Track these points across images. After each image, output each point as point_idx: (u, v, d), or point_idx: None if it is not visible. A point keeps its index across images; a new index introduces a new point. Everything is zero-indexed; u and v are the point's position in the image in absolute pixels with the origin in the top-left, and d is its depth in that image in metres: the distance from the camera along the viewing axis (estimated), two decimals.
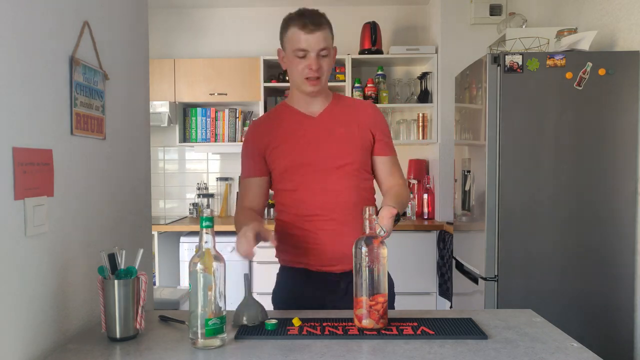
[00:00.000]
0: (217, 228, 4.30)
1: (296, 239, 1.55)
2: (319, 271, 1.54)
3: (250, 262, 3.47)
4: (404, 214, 3.63)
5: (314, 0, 3.97)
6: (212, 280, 1.14)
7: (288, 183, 1.56)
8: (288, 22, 1.50)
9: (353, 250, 1.25)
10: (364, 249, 1.22)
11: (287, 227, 1.57)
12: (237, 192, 4.10)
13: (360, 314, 1.23)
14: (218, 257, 1.16)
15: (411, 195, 3.53)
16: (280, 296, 1.62)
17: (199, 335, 1.13)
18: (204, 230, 1.16)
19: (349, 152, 1.55)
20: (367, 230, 1.25)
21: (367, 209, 1.25)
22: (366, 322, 1.22)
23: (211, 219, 1.16)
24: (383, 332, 1.20)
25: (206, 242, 1.15)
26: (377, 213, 1.32)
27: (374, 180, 1.63)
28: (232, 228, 4.20)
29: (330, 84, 3.78)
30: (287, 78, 3.81)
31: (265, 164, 1.60)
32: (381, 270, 1.23)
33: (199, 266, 1.14)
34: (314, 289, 1.55)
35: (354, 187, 1.54)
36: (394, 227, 1.35)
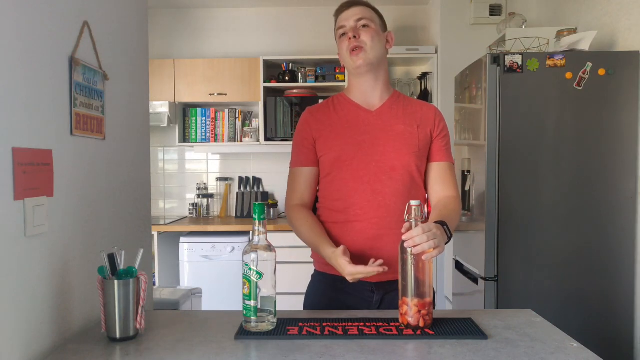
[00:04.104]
0: (217, 228, 4.26)
1: (333, 239, 1.46)
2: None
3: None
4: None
5: (312, 0, 3.98)
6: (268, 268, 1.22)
7: (335, 177, 1.48)
8: (334, 15, 1.53)
9: (399, 248, 1.23)
10: (410, 249, 1.20)
11: (325, 225, 1.50)
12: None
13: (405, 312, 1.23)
14: (271, 247, 1.23)
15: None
16: (313, 301, 1.54)
17: (255, 320, 1.21)
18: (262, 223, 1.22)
19: (405, 152, 1.46)
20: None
21: (413, 208, 1.22)
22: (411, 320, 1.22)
23: (264, 211, 1.23)
24: (383, 332, 1.20)
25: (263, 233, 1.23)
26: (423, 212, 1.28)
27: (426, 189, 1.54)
28: (232, 228, 4.17)
29: (330, 84, 3.80)
30: (286, 78, 3.83)
31: (315, 154, 1.51)
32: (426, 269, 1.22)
33: (260, 255, 1.20)
34: (347, 298, 1.47)
35: (403, 193, 1.45)
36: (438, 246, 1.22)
